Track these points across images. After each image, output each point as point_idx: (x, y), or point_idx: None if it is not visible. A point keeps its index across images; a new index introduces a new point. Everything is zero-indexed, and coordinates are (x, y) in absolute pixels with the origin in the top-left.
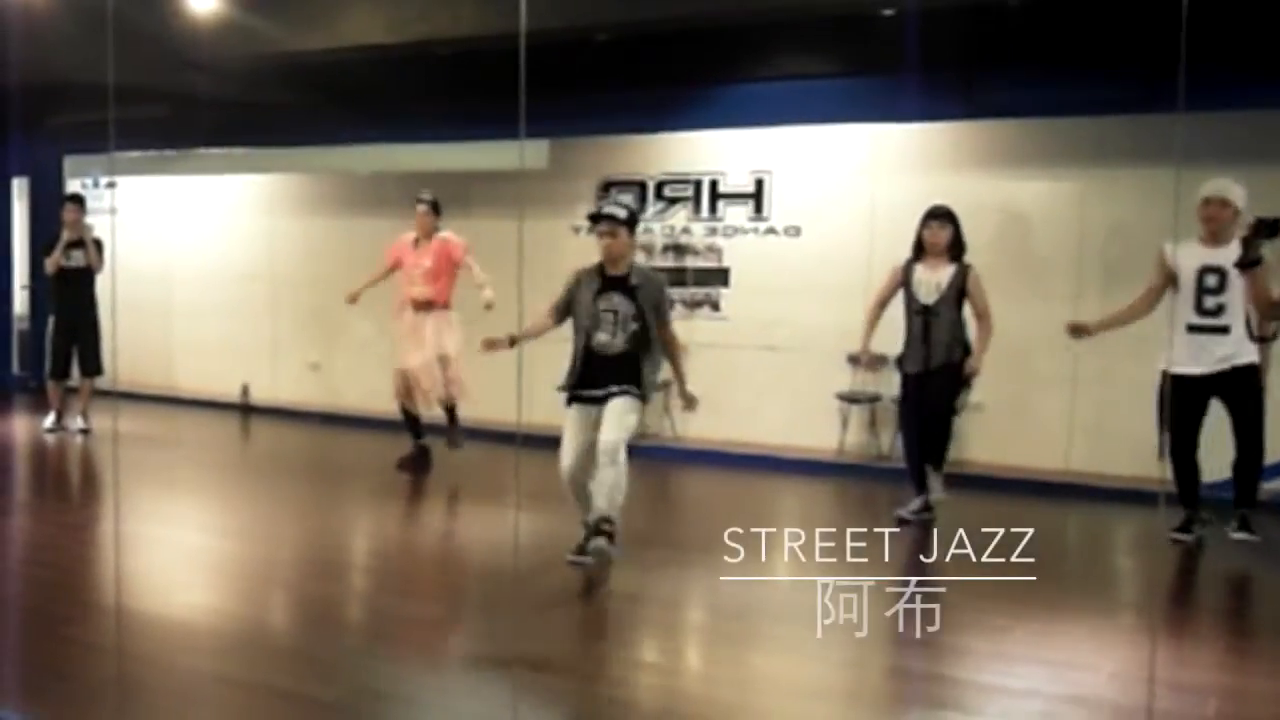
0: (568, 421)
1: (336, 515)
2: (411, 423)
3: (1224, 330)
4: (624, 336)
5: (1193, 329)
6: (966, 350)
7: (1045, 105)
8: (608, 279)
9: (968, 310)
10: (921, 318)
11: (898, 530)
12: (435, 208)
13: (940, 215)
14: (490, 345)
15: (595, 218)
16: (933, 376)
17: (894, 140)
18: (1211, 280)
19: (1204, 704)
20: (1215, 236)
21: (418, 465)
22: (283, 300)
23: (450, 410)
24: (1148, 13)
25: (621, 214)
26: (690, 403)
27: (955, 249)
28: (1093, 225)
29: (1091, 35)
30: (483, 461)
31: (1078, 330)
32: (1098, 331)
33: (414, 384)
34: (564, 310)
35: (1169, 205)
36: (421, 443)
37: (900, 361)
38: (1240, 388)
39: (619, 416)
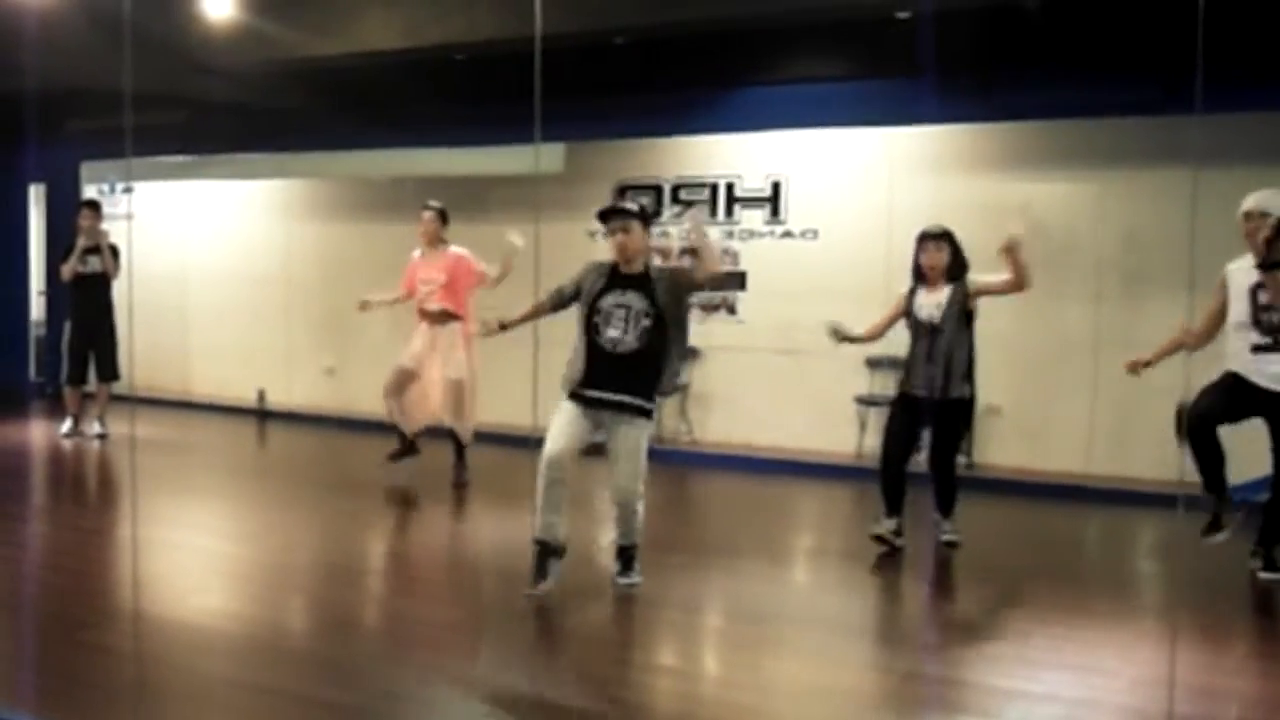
0: (560, 412)
1: (352, 520)
2: (399, 430)
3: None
4: (636, 333)
5: (1255, 349)
6: (972, 388)
7: (1063, 107)
8: (621, 276)
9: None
10: (928, 338)
11: (887, 550)
12: (442, 215)
13: (936, 236)
14: (486, 328)
15: (605, 214)
16: (941, 410)
17: (911, 143)
18: (1264, 297)
19: (1226, 709)
20: (1259, 252)
21: (407, 455)
22: (299, 305)
23: (459, 447)
24: (1165, 14)
25: (633, 207)
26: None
27: (955, 270)
28: (1111, 227)
29: (1109, 37)
30: (497, 465)
31: (1135, 366)
32: (1158, 361)
33: (409, 384)
34: (567, 299)
35: (1188, 207)
36: (409, 441)
37: (902, 380)
38: None
39: (632, 458)
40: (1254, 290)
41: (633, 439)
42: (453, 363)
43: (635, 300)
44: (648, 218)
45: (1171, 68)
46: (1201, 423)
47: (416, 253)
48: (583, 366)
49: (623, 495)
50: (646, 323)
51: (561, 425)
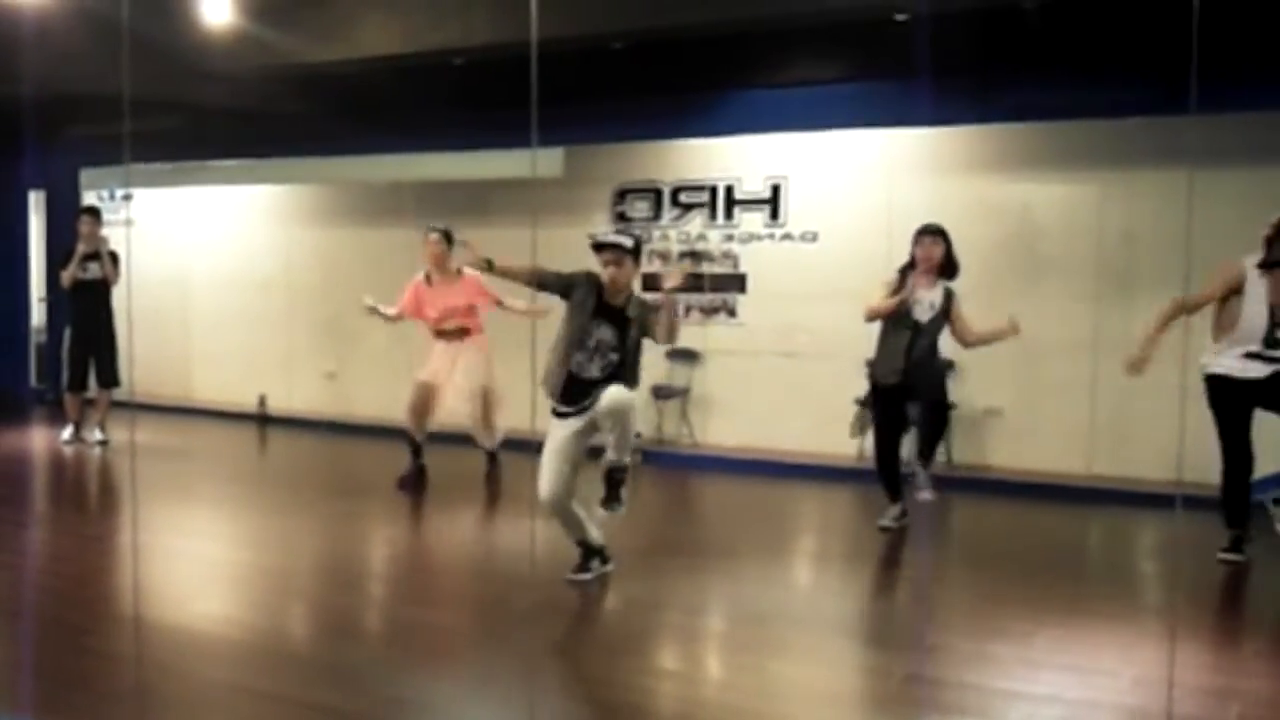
0: (549, 439)
1: (353, 525)
2: (413, 441)
3: None
4: (600, 365)
5: (1248, 355)
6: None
7: (1060, 108)
8: (604, 305)
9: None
10: (912, 333)
11: (886, 532)
12: (447, 237)
13: (933, 232)
14: (468, 253)
15: (600, 246)
16: (919, 372)
17: (910, 145)
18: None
19: (1227, 709)
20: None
21: (416, 485)
22: (299, 310)
23: (491, 455)
24: (1162, 15)
25: (628, 243)
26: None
27: (947, 267)
28: (1110, 228)
29: (1107, 38)
30: (499, 470)
31: (1137, 366)
32: (1158, 335)
33: (432, 399)
34: (552, 288)
35: (1186, 207)
36: (420, 462)
37: (873, 369)
38: None
39: (619, 390)
40: (1272, 309)
41: (613, 389)
42: (477, 372)
43: (608, 334)
44: (640, 251)
45: (1168, 69)
46: (1241, 466)
47: (421, 275)
48: (557, 384)
49: (613, 402)
50: (613, 357)
51: (550, 457)
